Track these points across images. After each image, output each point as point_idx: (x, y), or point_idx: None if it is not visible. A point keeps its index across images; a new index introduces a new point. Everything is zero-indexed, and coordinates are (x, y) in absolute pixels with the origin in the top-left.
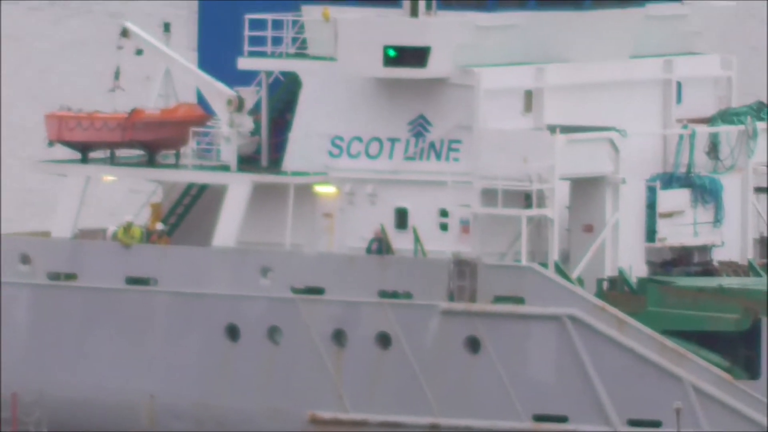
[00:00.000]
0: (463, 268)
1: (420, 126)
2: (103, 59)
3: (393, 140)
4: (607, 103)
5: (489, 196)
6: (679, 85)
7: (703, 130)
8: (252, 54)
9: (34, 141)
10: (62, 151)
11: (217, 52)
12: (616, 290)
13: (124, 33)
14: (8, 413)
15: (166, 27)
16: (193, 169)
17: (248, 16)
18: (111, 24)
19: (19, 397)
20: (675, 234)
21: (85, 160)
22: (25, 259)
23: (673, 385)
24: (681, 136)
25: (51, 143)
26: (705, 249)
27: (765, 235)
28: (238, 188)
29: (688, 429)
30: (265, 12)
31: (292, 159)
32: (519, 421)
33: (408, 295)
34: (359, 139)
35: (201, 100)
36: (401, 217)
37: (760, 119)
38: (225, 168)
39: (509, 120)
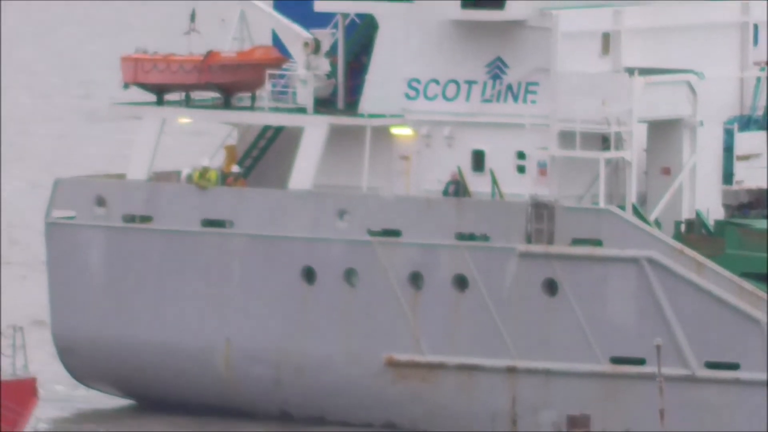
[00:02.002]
0: (541, 211)
1: (497, 68)
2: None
3: (470, 82)
4: (684, 46)
5: (566, 138)
6: (755, 27)
7: None
8: None
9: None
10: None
11: None
12: (694, 233)
13: None
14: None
15: None
16: (269, 112)
17: None
18: None
19: None
20: (752, 176)
21: (160, 102)
22: (101, 202)
23: (751, 327)
24: (758, 79)
25: (126, 85)
26: None
27: None
28: (315, 131)
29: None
30: None
31: (368, 101)
32: (596, 363)
33: (485, 238)
34: (436, 82)
35: (276, 43)
36: (478, 160)
37: None
38: (301, 110)
39: (586, 62)
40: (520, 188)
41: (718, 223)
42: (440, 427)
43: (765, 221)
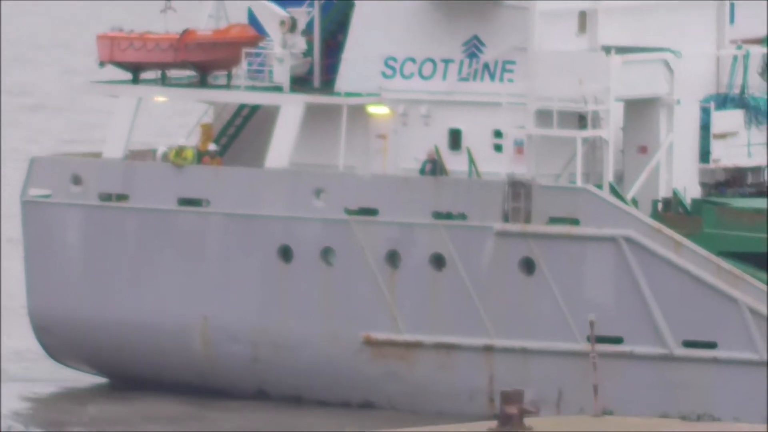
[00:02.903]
0: (518, 189)
1: (474, 47)
2: None
3: (447, 61)
4: (660, 24)
5: (543, 117)
6: (732, 5)
7: (756, 51)
8: None
9: None
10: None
11: None
12: (671, 211)
13: None
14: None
15: None
16: (245, 90)
17: None
18: None
19: None
20: (729, 155)
21: (136, 80)
22: (77, 180)
23: (729, 306)
24: (735, 57)
25: (102, 64)
26: (758, 170)
27: None
28: (291, 109)
29: (745, 350)
30: None
31: (344, 80)
32: (574, 342)
33: (462, 216)
34: (413, 60)
35: (252, 21)
36: (455, 138)
37: None
38: (278, 89)
39: (563, 41)
40: (497, 167)
41: (695, 201)
42: (418, 405)
43: (742, 200)
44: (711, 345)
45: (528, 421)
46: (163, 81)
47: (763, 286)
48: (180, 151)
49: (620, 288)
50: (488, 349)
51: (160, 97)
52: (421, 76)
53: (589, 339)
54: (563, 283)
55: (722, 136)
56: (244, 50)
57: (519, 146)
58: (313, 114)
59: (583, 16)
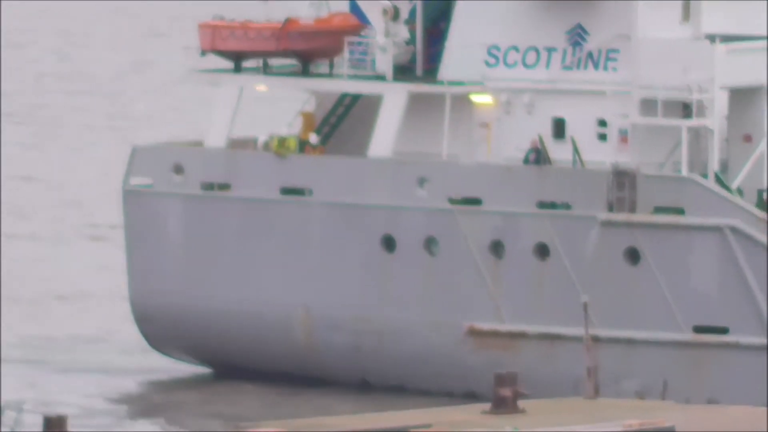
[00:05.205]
0: (623, 179)
1: (577, 35)
2: None
3: (550, 49)
4: (764, 12)
5: (648, 106)
6: None
7: None
8: None
9: None
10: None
11: None
12: None
13: None
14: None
15: None
16: (347, 79)
17: None
18: None
19: None
20: None
21: (238, 69)
22: (179, 169)
23: None
24: None
25: (204, 53)
26: None
27: None
28: (394, 98)
29: None
30: None
31: (447, 68)
32: (679, 332)
33: (566, 206)
34: (516, 49)
35: (354, 10)
36: (559, 127)
37: None
38: (380, 78)
39: (667, 29)
40: (601, 156)
41: None
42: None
43: None
44: None
45: (521, 403)
46: (265, 70)
47: None
48: (282, 140)
49: (726, 278)
50: (593, 339)
51: (261, 85)
52: (525, 65)
53: (695, 329)
54: (668, 273)
55: None
56: (347, 39)
57: (623, 135)
58: (416, 103)
59: (686, 4)
